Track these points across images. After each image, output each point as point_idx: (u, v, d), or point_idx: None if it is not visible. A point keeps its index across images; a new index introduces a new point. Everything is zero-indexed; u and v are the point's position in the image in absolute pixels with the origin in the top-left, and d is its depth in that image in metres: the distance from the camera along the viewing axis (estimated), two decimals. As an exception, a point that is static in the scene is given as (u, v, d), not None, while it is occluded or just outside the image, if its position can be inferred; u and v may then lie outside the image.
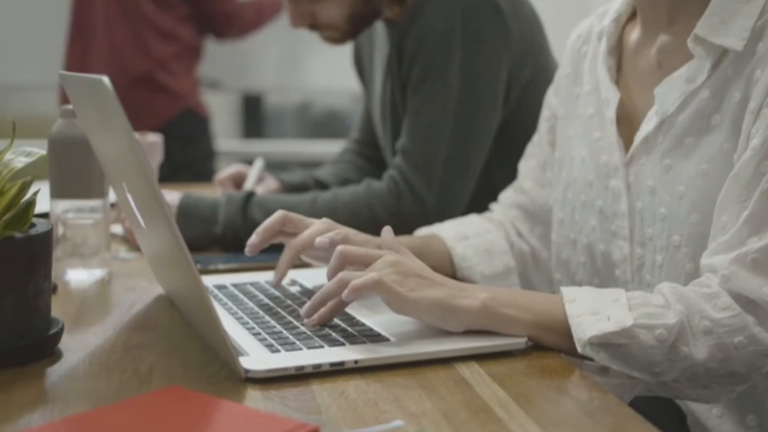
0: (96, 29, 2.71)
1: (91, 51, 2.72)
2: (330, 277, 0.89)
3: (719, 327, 0.83)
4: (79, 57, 2.73)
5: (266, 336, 0.86)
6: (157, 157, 1.53)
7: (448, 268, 1.13)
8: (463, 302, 0.85)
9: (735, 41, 0.91)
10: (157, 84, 2.67)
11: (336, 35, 1.45)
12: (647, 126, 1.00)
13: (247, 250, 1.01)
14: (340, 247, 0.90)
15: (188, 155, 2.01)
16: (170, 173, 1.55)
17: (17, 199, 0.82)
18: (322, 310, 0.89)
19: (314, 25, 1.43)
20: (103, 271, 1.14)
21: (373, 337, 0.85)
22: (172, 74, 2.69)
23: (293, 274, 1.11)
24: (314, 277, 1.09)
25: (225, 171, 1.63)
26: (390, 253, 0.89)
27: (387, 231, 0.95)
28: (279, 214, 1.02)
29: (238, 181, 1.61)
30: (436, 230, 1.19)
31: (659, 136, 0.99)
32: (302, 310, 0.90)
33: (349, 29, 1.44)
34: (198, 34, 2.79)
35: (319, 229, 0.99)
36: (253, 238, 1.01)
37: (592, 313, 0.84)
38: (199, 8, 2.73)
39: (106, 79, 0.73)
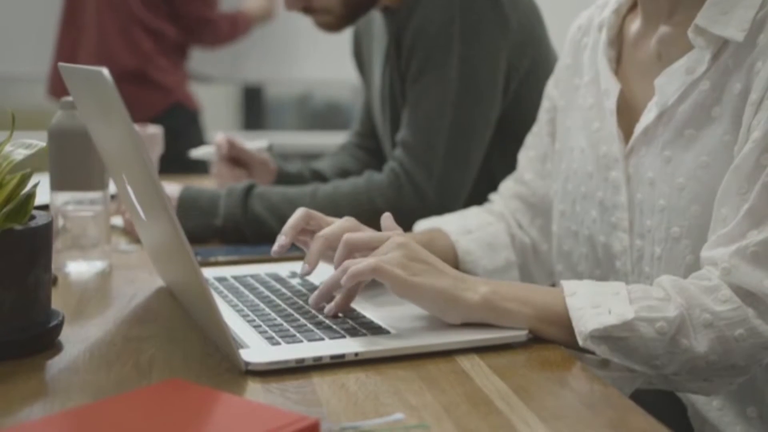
0: (86, 23, 2.72)
1: (80, 45, 2.73)
2: (337, 267, 0.89)
3: (720, 320, 0.83)
4: (69, 50, 2.74)
5: (267, 328, 0.85)
6: (157, 149, 1.53)
7: (452, 262, 1.13)
8: (464, 294, 0.85)
9: (735, 32, 0.91)
10: (145, 79, 2.68)
11: (331, 20, 1.43)
12: (647, 117, 0.99)
13: (275, 250, 0.97)
14: (345, 235, 0.90)
15: (178, 148, 2.03)
16: (160, 166, 1.56)
17: (17, 191, 0.81)
18: (338, 299, 0.89)
19: (309, 8, 1.42)
20: (103, 263, 1.14)
21: (373, 329, 0.85)
22: (160, 69, 2.70)
23: (294, 266, 1.11)
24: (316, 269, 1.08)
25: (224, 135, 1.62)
26: (399, 236, 0.89)
27: (387, 217, 0.95)
28: (302, 211, 0.99)
29: (236, 147, 1.59)
30: (439, 224, 1.19)
31: (659, 128, 0.98)
32: (310, 300, 0.91)
33: (345, 14, 1.42)
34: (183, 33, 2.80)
35: (344, 226, 0.94)
36: (283, 239, 0.97)
37: (592, 306, 0.84)
38: (175, 10, 2.74)
39: (105, 71, 0.73)
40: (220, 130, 1.62)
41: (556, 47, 1.44)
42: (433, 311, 0.86)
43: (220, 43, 2.94)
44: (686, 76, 0.95)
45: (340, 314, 0.90)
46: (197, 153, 1.65)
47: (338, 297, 0.90)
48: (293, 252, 1.19)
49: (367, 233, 0.91)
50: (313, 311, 0.91)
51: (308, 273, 0.94)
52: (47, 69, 2.84)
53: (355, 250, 0.89)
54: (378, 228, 0.97)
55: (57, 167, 1.12)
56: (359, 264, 0.84)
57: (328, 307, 0.90)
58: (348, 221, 0.96)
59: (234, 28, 2.92)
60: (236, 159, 1.59)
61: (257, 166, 1.58)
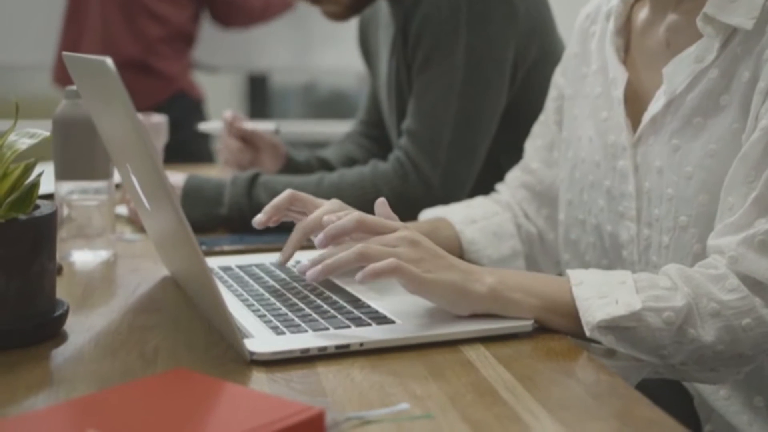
0: (90, 11, 2.71)
1: (84, 32, 2.73)
2: (331, 232, 0.86)
3: (727, 309, 0.83)
4: (73, 38, 2.74)
5: (271, 318, 0.85)
6: (161, 138, 1.52)
7: (456, 251, 1.12)
8: (473, 286, 0.84)
9: (744, 20, 0.90)
10: (147, 68, 2.68)
11: (337, 9, 1.43)
12: (655, 106, 0.99)
13: (253, 225, 1.00)
14: (357, 213, 0.88)
15: (180, 137, 2.04)
16: (164, 155, 1.56)
17: (21, 180, 0.81)
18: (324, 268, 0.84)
19: None
20: (108, 252, 1.14)
21: (378, 319, 0.85)
22: (163, 58, 2.70)
23: (299, 255, 1.11)
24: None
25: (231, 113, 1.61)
26: (405, 229, 0.88)
27: (382, 204, 0.93)
28: (287, 193, 1.00)
29: (241, 129, 1.59)
30: (444, 213, 1.19)
31: (667, 116, 0.98)
32: (309, 273, 0.85)
33: (351, 3, 1.42)
34: (193, 19, 2.80)
35: (328, 209, 0.95)
36: (260, 216, 0.99)
37: (600, 296, 0.83)
38: None
39: (109, 61, 0.73)
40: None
41: (564, 36, 1.44)
42: (443, 304, 0.85)
43: (252, 23, 2.95)
44: (695, 64, 0.95)
45: (345, 304, 0.90)
46: (205, 126, 1.66)
47: (323, 265, 0.85)
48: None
49: (379, 219, 0.90)
50: (318, 300, 0.91)
51: (283, 263, 0.98)
52: (52, 57, 2.84)
53: (361, 230, 0.87)
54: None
55: (61, 156, 1.12)
56: (380, 263, 0.82)
57: (311, 273, 0.85)
58: (332, 204, 0.96)
59: (267, 6, 2.92)
60: (246, 140, 1.59)
61: (267, 148, 1.58)
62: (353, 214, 0.88)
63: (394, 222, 0.90)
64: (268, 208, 1.00)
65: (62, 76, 2.73)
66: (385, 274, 0.82)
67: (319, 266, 0.84)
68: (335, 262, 0.84)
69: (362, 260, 0.83)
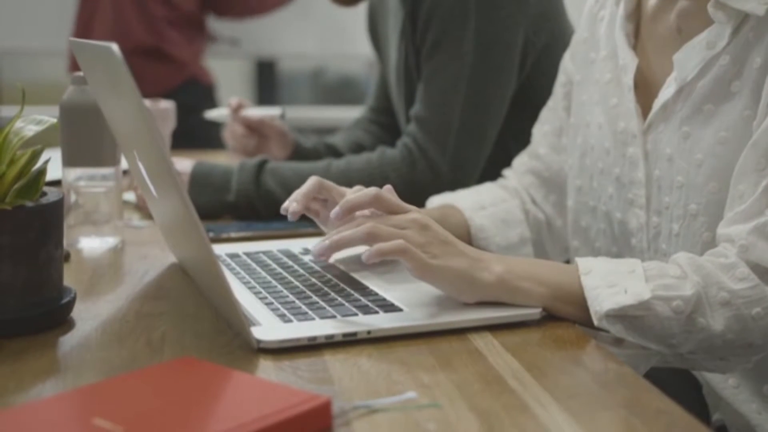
0: None
1: (96, 18, 2.72)
2: (347, 205, 0.86)
3: (737, 298, 0.82)
4: (84, 24, 2.73)
5: (279, 306, 0.85)
6: (169, 124, 1.52)
7: (465, 238, 1.12)
8: (480, 275, 0.84)
9: (756, 5, 0.89)
10: (159, 54, 2.67)
11: None
12: (666, 93, 0.98)
13: (284, 208, 0.96)
14: (374, 189, 0.88)
15: (191, 123, 2.03)
16: (173, 141, 1.56)
17: (28, 167, 0.81)
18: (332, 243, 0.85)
19: None
20: (115, 239, 1.14)
21: (386, 307, 0.85)
22: (175, 44, 2.69)
23: (306, 242, 1.11)
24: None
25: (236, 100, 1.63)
26: (416, 212, 0.87)
27: (389, 190, 0.92)
28: (315, 180, 0.98)
29: (247, 119, 1.61)
30: (452, 200, 1.18)
31: (678, 103, 0.97)
32: (316, 248, 0.86)
33: None
34: (202, 6, 2.78)
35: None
36: (294, 206, 0.95)
37: (608, 285, 0.83)
38: None
39: (115, 47, 0.72)
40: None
41: (573, 20, 1.42)
42: (449, 291, 0.85)
43: (247, 15, 2.94)
44: (706, 50, 0.94)
45: (352, 291, 0.89)
46: (211, 114, 1.67)
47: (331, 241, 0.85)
48: (306, 228, 1.19)
49: (395, 199, 0.89)
50: (326, 288, 0.90)
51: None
52: (65, 43, 2.83)
53: (376, 206, 0.87)
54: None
55: (69, 143, 1.12)
56: (387, 243, 0.82)
57: (318, 248, 0.85)
58: (356, 192, 0.94)
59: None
60: (253, 127, 1.60)
61: (275, 136, 1.58)
62: (370, 189, 0.88)
63: (407, 205, 0.89)
64: (299, 197, 0.96)
65: (77, 64, 2.73)
66: (391, 255, 0.82)
67: (327, 241, 0.85)
68: (343, 238, 0.84)
69: (370, 239, 0.83)
